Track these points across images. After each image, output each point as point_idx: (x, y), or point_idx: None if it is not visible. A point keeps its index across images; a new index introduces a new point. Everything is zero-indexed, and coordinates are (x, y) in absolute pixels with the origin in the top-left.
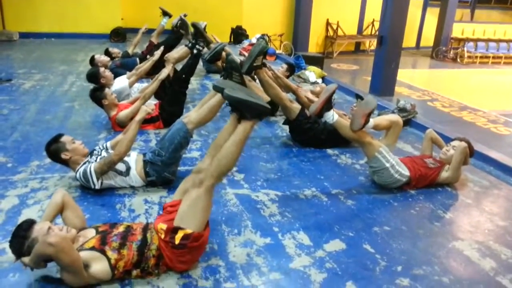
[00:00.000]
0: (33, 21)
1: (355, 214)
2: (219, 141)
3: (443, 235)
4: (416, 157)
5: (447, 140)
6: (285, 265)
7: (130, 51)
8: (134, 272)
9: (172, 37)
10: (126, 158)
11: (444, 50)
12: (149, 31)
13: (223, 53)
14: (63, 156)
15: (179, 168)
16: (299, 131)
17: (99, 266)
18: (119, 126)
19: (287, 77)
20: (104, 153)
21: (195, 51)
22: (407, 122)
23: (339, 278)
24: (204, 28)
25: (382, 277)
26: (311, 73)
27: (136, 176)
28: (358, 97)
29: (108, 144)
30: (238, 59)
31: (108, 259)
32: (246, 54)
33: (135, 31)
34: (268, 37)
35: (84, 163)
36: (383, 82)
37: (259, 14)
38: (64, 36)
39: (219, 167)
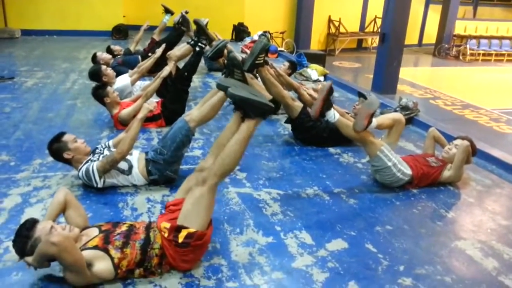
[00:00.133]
0: (35, 19)
1: (357, 213)
2: (222, 140)
3: (445, 234)
4: (418, 156)
5: (450, 138)
6: (287, 265)
7: (132, 48)
8: (137, 271)
9: (174, 34)
10: (128, 157)
11: (447, 48)
12: (151, 28)
13: (225, 51)
14: (65, 155)
15: (181, 167)
16: (301, 129)
17: (102, 265)
18: (121, 124)
19: (289, 75)
20: (106, 152)
21: (197, 49)
22: (409, 120)
23: (341, 277)
24: (206, 25)
25: (384, 277)
26: (313, 71)
27: (138, 175)
28: (361, 95)
29: (111, 142)
30: (239, 56)
31: (111, 258)
32: (248, 51)
33: (137, 28)
34: (270, 34)
35: (87, 161)
36: (385, 80)
37: (261, 11)
38: (66, 34)
39: (223, 166)
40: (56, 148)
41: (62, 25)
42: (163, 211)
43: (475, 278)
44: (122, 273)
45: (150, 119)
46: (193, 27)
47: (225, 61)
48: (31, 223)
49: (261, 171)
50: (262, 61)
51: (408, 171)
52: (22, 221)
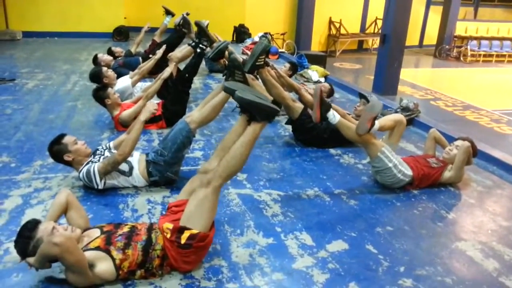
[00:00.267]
0: (36, 20)
1: (358, 214)
2: (227, 143)
3: (446, 235)
4: (419, 157)
5: (450, 139)
6: (287, 266)
7: (133, 50)
8: (138, 273)
9: (175, 36)
10: (129, 158)
11: (447, 49)
12: (152, 30)
13: (226, 52)
14: (65, 157)
15: (181, 168)
16: (302, 131)
17: (104, 266)
18: (122, 125)
19: (290, 76)
20: (107, 153)
21: (198, 50)
22: (410, 121)
23: (342, 278)
24: (206, 27)
25: (384, 278)
26: (314, 72)
27: (139, 176)
28: (362, 96)
29: (111, 144)
30: (240, 58)
31: (113, 259)
32: (249, 52)
33: (138, 30)
34: (271, 35)
35: (87, 163)
36: (386, 81)
37: (261, 12)
38: (67, 35)
39: (228, 168)
40: (57, 150)
41: (63, 27)
42: (163, 212)
43: (476, 279)
44: (124, 274)
45: (150, 120)
46: (194, 28)
47: (226, 63)
48: (33, 224)
49: (262, 172)
50: (262, 62)
51: (409, 172)
52: (23, 222)
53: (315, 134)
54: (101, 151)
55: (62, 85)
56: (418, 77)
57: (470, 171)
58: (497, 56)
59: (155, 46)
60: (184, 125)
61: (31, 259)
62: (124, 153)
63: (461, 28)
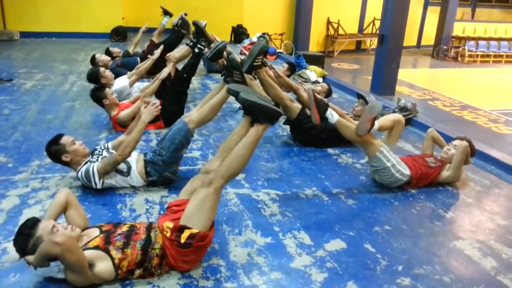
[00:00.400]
0: (34, 21)
1: (356, 213)
2: (229, 144)
3: (444, 234)
4: (417, 156)
5: (448, 139)
6: (286, 265)
7: (130, 50)
8: (137, 272)
9: (174, 37)
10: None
11: (445, 49)
12: (150, 30)
13: (224, 52)
14: (63, 158)
15: (180, 168)
16: (300, 130)
17: (103, 266)
18: (120, 126)
19: (288, 76)
20: (105, 153)
21: (196, 50)
22: (408, 121)
23: (340, 277)
24: (204, 27)
25: (383, 277)
26: (312, 72)
27: (137, 176)
28: (360, 96)
29: (110, 144)
30: (239, 58)
31: (112, 259)
32: (247, 53)
33: (135, 30)
34: (269, 36)
35: (86, 162)
36: (384, 81)
37: (260, 13)
38: (65, 36)
39: (230, 169)
40: (55, 151)
41: (61, 27)
42: (161, 212)
43: (474, 277)
44: (123, 274)
45: None
46: (192, 29)
47: (225, 63)
48: (33, 222)
49: (260, 172)
50: (260, 63)
51: (407, 172)
52: (20, 222)
53: (313, 134)
54: (99, 151)
55: (60, 86)
56: (416, 78)
57: (468, 171)
58: (495, 56)
59: (153, 47)
60: (183, 125)
61: (30, 257)
62: (124, 153)
63: (459, 28)
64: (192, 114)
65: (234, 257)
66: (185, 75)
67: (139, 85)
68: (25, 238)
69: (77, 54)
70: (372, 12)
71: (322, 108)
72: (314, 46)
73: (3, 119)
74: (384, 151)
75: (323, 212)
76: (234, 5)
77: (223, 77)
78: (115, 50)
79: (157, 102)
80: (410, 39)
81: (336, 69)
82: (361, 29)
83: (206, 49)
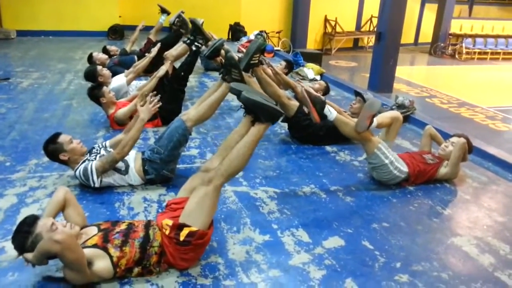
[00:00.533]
0: (31, 19)
1: (354, 210)
2: (229, 143)
3: (442, 231)
4: (415, 153)
5: (446, 136)
6: (284, 262)
7: (128, 48)
8: (136, 270)
9: (172, 36)
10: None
11: (443, 47)
12: (147, 29)
13: (222, 50)
14: (61, 157)
15: (177, 166)
16: (298, 128)
17: (102, 264)
18: (117, 124)
19: (286, 74)
20: (103, 152)
21: (193, 48)
22: (406, 119)
23: (338, 274)
24: (201, 25)
25: (381, 274)
26: (310, 70)
27: (135, 175)
28: (357, 94)
29: (107, 143)
30: (236, 56)
31: (110, 257)
32: (245, 50)
33: (132, 28)
34: (266, 34)
35: (84, 161)
36: (382, 79)
37: (257, 11)
38: (62, 34)
39: (230, 168)
40: (52, 150)
41: (58, 26)
42: (159, 210)
43: (472, 274)
44: (121, 272)
45: None
46: (189, 26)
47: (222, 61)
48: (32, 219)
49: (258, 169)
50: (257, 61)
51: (405, 169)
52: (18, 221)
53: (311, 131)
54: (97, 150)
55: (57, 84)
56: (413, 75)
57: (465, 168)
58: (492, 53)
59: (150, 45)
60: (180, 123)
61: (28, 255)
62: (123, 151)
63: (456, 26)
64: (190, 112)
65: (232, 255)
66: (182, 73)
67: (136, 83)
68: (24, 235)
69: (74, 52)
70: (369, 9)
71: (319, 105)
72: (312, 43)
73: (0, 118)
74: (382, 148)
75: (321, 210)
76: (231, 3)
77: (221, 75)
78: (112, 48)
79: (156, 98)
80: (407, 36)
81: (334, 67)
82: (358, 26)
83: (203, 47)
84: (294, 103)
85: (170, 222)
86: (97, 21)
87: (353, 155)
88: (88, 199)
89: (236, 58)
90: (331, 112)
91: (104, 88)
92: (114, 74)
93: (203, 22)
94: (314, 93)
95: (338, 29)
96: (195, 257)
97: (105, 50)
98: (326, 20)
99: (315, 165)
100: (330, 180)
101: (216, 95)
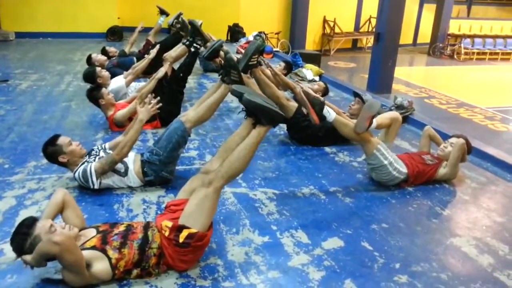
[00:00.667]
0: (29, 21)
1: (353, 211)
2: (230, 145)
3: (441, 231)
4: (414, 154)
5: (445, 137)
6: (283, 264)
7: (126, 50)
8: (134, 272)
9: (172, 38)
10: (124, 159)
11: (441, 47)
12: (146, 30)
13: (221, 51)
14: (60, 159)
15: (177, 168)
16: (297, 129)
17: (100, 266)
18: (116, 126)
19: (285, 75)
20: (102, 153)
21: (192, 49)
22: (405, 119)
23: (338, 275)
24: (200, 26)
25: (380, 274)
26: (309, 71)
27: (134, 177)
28: (356, 95)
29: (107, 145)
30: (235, 57)
31: (109, 259)
32: (243, 51)
33: (131, 30)
34: (265, 34)
35: (83, 163)
36: (380, 80)
37: (256, 12)
38: (61, 36)
39: (231, 170)
40: (51, 152)
41: (57, 27)
42: (158, 212)
43: (471, 274)
44: (120, 274)
45: None
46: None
47: (221, 62)
48: (31, 221)
49: (257, 171)
50: (255, 62)
51: (404, 170)
52: (17, 223)
53: (310, 132)
54: (96, 152)
55: (56, 86)
56: (412, 75)
57: (464, 168)
58: (491, 54)
59: (149, 46)
60: (179, 124)
61: (27, 257)
62: (122, 153)
63: (455, 26)
64: (189, 114)
65: (231, 257)
66: (181, 75)
67: (135, 85)
68: (23, 237)
69: (73, 54)
70: (368, 10)
71: (318, 107)
72: (311, 44)
73: None
74: (382, 149)
75: (320, 211)
76: (230, 4)
77: (220, 77)
78: (111, 49)
79: (156, 100)
80: (406, 37)
81: (333, 68)
82: (357, 27)
83: (202, 48)
84: (293, 104)
85: (169, 224)
86: (96, 23)
87: (352, 156)
88: (87, 200)
89: (235, 59)
90: (330, 113)
91: (103, 89)
92: (113, 75)
93: (201, 23)
94: (313, 94)
95: (336, 30)
96: (194, 258)
97: (104, 52)
98: (324, 21)
99: (314, 166)
100: (329, 181)
101: (215, 96)
